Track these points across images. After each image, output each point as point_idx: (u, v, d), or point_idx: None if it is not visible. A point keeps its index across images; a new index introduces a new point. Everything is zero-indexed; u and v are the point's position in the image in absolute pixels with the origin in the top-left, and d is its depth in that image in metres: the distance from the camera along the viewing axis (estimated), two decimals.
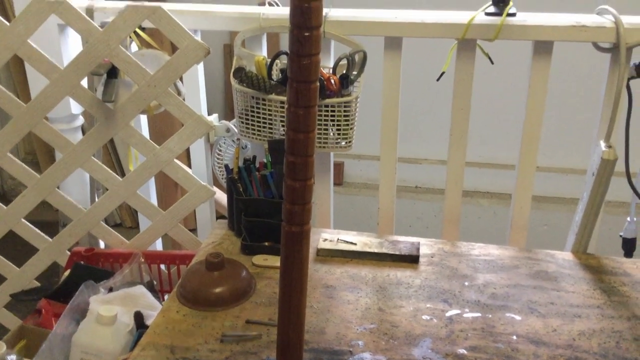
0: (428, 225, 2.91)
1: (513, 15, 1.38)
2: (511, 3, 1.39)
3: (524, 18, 1.38)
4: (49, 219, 2.30)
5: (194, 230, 1.75)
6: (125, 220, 3.03)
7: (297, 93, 0.82)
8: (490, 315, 1.20)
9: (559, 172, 2.82)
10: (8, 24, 1.38)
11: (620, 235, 1.57)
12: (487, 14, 1.40)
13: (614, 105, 1.36)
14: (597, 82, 1.47)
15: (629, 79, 1.38)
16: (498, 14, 1.38)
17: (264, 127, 1.44)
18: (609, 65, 1.41)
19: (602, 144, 1.35)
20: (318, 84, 0.83)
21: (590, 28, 1.36)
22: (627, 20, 1.35)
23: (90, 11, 1.47)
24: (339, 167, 3.02)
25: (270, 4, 1.47)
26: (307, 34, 0.79)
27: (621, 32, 1.33)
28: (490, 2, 1.41)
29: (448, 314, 1.21)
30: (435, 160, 2.95)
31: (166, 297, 1.60)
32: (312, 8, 0.78)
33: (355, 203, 2.93)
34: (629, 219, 1.54)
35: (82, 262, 1.54)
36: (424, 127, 2.82)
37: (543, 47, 1.41)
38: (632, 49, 1.35)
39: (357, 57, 1.41)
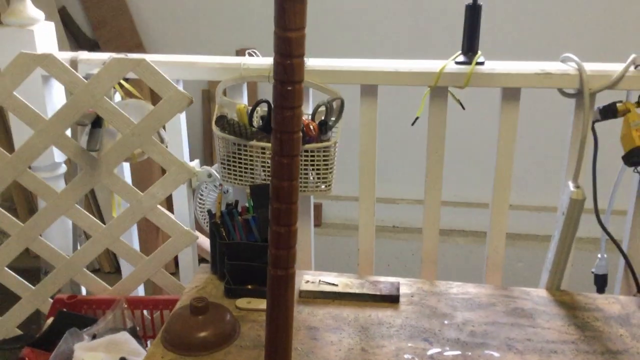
0: (406, 264, 2.95)
1: (482, 64, 1.45)
2: (480, 52, 1.47)
3: (492, 66, 1.45)
4: (28, 266, 2.29)
5: (174, 274, 1.76)
6: (103, 265, 3.02)
7: (281, 143, 0.86)
8: (470, 353, 1.24)
9: (532, 210, 2.89)
10: None
11: (592, 272, 1.62)
12: (457, 62, 1.47)
13: (580, 147, 1.43)
14: (565, 124, 1.54)
15: (593, 122, 1.44)
16: (467, 62, 1.45)
17: (246, 172, 1.48)
18: (574, 109, 1.48)
19: (571, 185, 1.41)
20: (301, 134, 0.87)
21: (555, 75, 1.43)
22: (590, 67, 1.42)
23: (74, 63, 1.51)
24: (317, 209, 3.06)
25: (250, 55, 1.53)
26: (289, 88, 0.83)
27: (584, 78, 1.40)
28: (460, 52, 1.48)
29: (429, 352, 1.24)
30: (411, 199, 3.00)
31: (149, 342, 1.61)
32: (294, 64, 0.82)
33: (334, 243, 2.96)
34: (599, 255, 1.60)
35: (65, 310, 1.54)
36: (400, 168, 2.88)
37: (511, 93, 1.47)
38: (595, 95, 1.42)
39: (335, 104, 1.47)
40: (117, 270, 3.04)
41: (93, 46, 2.97)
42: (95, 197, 2.84)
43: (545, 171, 2.76)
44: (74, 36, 3.00)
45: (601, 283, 1.61)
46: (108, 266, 3.01)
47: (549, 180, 2.72)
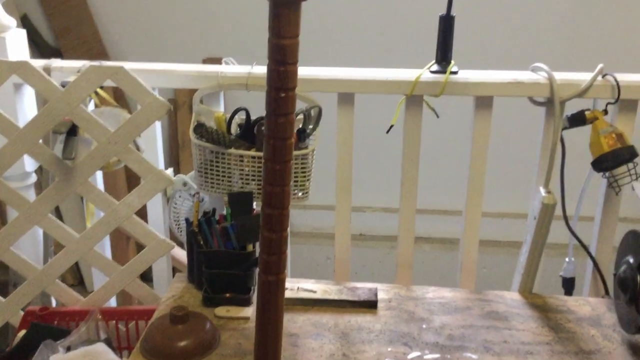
0: (374, 272, 2.97)
1: (455, 73, 1.49)
2: (453, 62, 1.50)
3: (466, 75, 1.49)
4: None
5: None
6: (66, 278, 2.95)
7: (274, 149, 0.87)
8: (449, 356, 1.26)
9: (495, 216, 2.95)
10: None
11: (560, 275, 1.66)
12: (432, 71, 1.50)
13: (550, 154, 1.48)
14: (534, 132, 1.58)
15: (562, 130, 1.49)
16: (442, 71, 1.48)
17: (223, 180, 1.48)
18: (544, 117, 1.53)
19: (542, 190, 1.46)
20: (293, 140, 0.88)
21: (526, 84, 1.47)
22: (559, 76, 1.47)
23: (47, 70, 1.49)
24: None
25: (226, 63, 1.53)
26: (283, 94, 0.84)
27: (554, 87, 1.45)
28: (434, 61, 1.52)
29: (409, 356, 1.26)
30: (378, 207, 3.03)
31: (124, 354, 1.58)
32: (288, 71, 0.83)
33: (303, 252, 2.96)
34: (567, 259, 1.64)
35: (38, 322, 1.51)
36: (367, 177, 2.90)
37: (484, 101, 1.51)
38: (564, 103, 1.47)
39: (312, 112, 1.48)
40: (81, 283, 2.98)
41: (56, 54, 2.91)
42: (59, 209, 2.78)
43: (510, 178, 2.82)
44: (36, 44, 2.94)
45: (569, 286, 1.66)
46: (71, 278, 2.95)
47: (513, 187, 2.79)
